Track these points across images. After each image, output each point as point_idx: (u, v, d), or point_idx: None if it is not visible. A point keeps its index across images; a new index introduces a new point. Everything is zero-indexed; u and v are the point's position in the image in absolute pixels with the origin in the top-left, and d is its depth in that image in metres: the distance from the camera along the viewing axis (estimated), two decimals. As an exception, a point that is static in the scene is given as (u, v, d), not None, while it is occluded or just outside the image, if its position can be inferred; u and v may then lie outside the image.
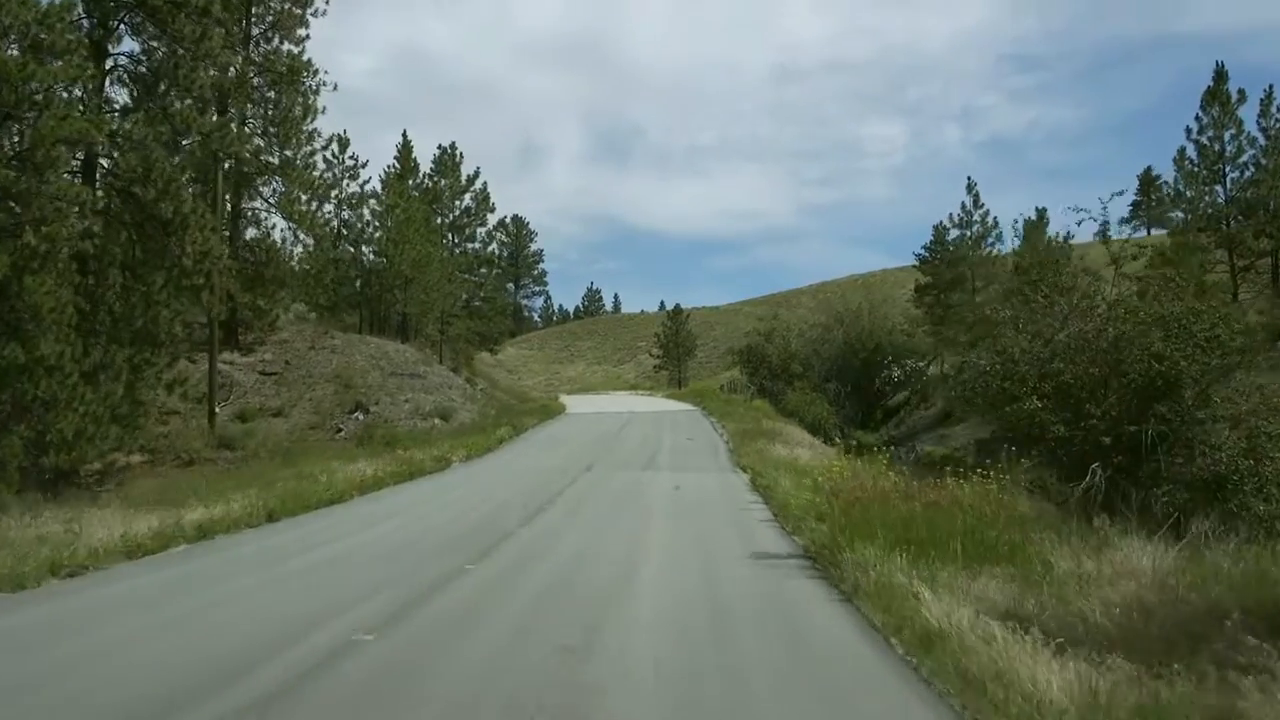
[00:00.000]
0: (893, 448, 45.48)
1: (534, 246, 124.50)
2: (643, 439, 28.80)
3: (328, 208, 38.48)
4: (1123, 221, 37.90)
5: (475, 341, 47.81)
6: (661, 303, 77.33)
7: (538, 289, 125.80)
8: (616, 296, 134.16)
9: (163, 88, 21.95)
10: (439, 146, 48.07)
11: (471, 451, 23.49)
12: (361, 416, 29.90)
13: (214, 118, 26.14)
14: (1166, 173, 39.52)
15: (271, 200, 35.84)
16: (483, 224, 48.19)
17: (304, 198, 35.53)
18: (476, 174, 48.08)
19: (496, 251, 48.57)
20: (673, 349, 68.25)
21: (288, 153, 35.92)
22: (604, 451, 24.98)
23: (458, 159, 47.94)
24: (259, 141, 35.74)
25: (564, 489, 16.81)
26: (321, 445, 26.86)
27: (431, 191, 47.50)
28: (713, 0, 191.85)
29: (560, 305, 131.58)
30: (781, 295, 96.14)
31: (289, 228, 35.31)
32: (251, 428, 28.73)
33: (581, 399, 53.55)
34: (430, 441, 25.36)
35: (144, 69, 22.41)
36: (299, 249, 35.80)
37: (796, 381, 43.64)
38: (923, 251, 54.09)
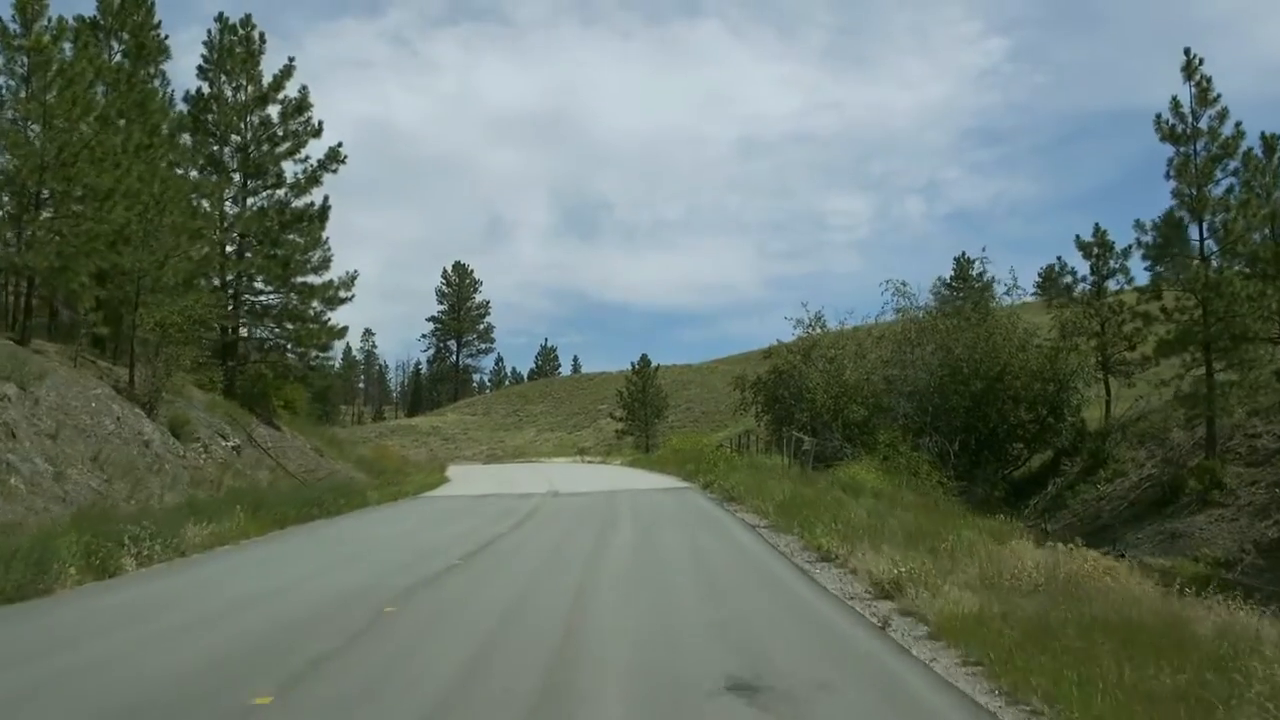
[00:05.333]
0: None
1: (479, 297, 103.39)
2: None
3: None
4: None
5: (278, 364, 26.14)
6: (631, 364, 59.38)
7: (484, 346, 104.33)
8: (576, 359, 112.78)
9: None
10: (217, 17, 26.66)
11: None
12: None
13: None
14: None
15: None
16: (299, 155, 26.76)
17: None
18: (289, 70, 26.81)
19: (319, 204, 26.93)
20: (639, 409, 56.16)
21: None
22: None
23: (255, 45, 26.72)
24: None
25: None
26: None
27: (203, 100, 26.33)
28: (679, 74, 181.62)
29: (514, 368, 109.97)
30: (765, 352, 76.01)
31: None
32: None
33: (489, 470, 37.62)
34: None
35: None
36: None
37: (877, 434, 22.32)
38: (941, 289, 42.60)
